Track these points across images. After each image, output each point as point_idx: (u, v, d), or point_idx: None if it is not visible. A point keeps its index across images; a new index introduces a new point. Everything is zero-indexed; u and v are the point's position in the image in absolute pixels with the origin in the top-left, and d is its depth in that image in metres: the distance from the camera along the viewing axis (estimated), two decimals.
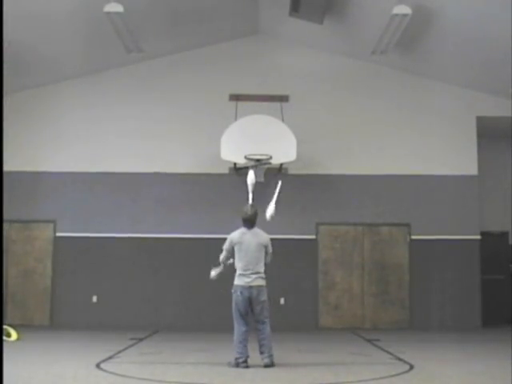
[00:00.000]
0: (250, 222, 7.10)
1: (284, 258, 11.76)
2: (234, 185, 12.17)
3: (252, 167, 11.64)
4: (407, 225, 12.58)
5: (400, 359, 7.60)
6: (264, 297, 6.97)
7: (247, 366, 6.72)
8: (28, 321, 12.03)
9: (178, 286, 12.30)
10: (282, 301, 12.25)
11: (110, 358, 7.55)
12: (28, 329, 10.88)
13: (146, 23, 11.19)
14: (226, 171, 12.32)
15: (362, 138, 12.78)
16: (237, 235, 7.10)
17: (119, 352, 8.13)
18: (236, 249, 7.03)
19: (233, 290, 6.99)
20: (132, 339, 9.70)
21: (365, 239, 12.58)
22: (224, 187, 12.38)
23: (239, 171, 12.00)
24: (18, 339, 9.39)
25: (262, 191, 12.28)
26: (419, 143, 12.79)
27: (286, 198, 12.43)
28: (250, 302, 6.89)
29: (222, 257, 7.20)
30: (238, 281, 6.97)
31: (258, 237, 7.08)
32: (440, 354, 8.31)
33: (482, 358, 8.03)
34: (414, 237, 12.55)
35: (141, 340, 9.80)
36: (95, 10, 9.86)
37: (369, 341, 10.00)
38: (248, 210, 7.13)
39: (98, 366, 6.84)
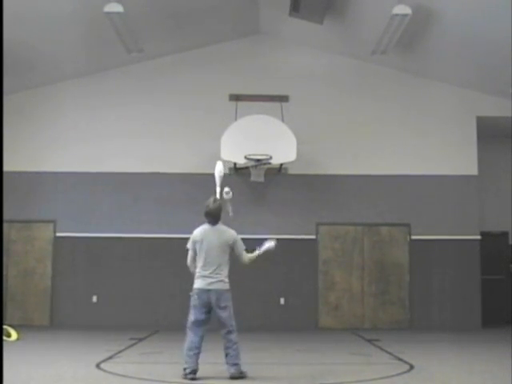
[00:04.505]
0: (212, 217, 6.34)
1: (284, 258, 11.77)
2: (233, 185, 12.14)
3: (251, 167, 11.67)
4: (407, 225, 12.58)
5: (400, 359, 7.60)
6: (226, 302, 6.13)
7: (194, 378, 5.94)
8: (28, 321, 12.02)
9: (178, 286, 12.25)
10: (282, 301, 12.25)
11: (110, 357, 7.55)
12: (28, 329, 10.87)
13: (146, 23, 11.19)
14: (226, 171, 12.28)
15: (361, 138, 12.76)
16: (198, 233, 6.38)
17: (119, 352, 8.13)
18: (197, 247, 6.27)
19: (191, 293, 6.22)
20: (132, 339, 9.70)
21: (365, 239, 12.57)
22: (224, 187, 12.35)
23: (239, 171, 12.02)
24: (17, 339, 9.40)
25: (262, 191, 12.43)
26: (419, 143, 12.78)
27: (286, 198, 12.57)
28: (210, 308, 6.13)
29: (189, 259, 6.36)
30: (196, 283, 6.20)
31: (221, 235, 6.33)
32: (440, 354, 8.30)
33: (481, 358, 8.03)
34: (413, 237, 12.54)
35: (141, 340, 9.80)
36: (95, 10, 9.86)
37: (369, 341, 10.00)
38: (210, 204, 6.37)
39: (97, 366, 6.84)
